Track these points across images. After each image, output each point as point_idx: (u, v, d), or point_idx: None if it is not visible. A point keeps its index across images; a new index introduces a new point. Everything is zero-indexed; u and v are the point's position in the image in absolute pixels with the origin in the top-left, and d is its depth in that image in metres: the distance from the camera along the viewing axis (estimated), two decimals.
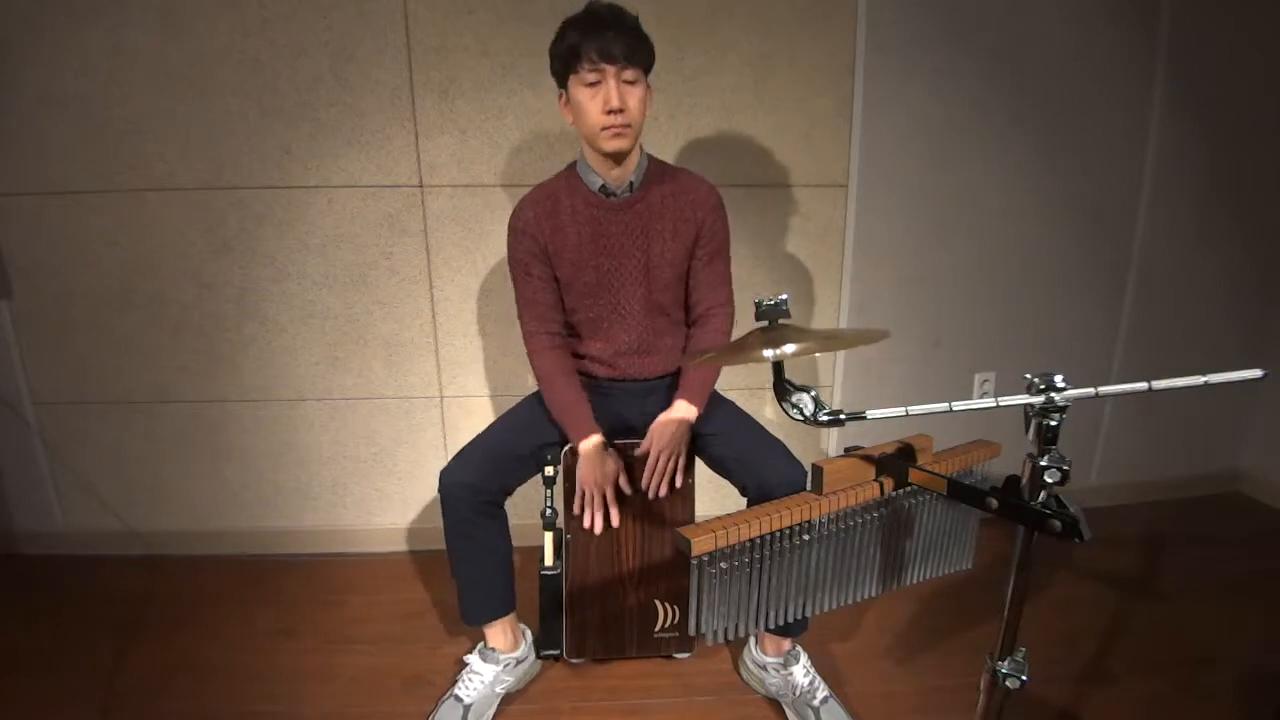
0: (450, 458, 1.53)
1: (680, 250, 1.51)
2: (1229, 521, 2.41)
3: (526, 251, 1.51)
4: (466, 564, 1.54)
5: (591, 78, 1.35)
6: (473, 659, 1.58)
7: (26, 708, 1.58)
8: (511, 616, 1.61)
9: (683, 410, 1.51)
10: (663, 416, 1.52)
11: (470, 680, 1.55)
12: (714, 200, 1.53)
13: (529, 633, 1.69)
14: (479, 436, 1.58)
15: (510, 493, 1.55)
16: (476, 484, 1.48)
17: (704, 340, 1.58)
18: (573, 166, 1.52)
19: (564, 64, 1.38)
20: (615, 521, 1.57)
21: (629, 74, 1.36)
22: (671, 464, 1.53)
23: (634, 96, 1.38)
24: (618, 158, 1.44)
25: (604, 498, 1.54)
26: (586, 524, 1.56)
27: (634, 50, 1.35)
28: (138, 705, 1.59)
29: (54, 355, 2.05)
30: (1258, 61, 2.15)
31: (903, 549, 1.11)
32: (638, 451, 1.55)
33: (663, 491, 1.54)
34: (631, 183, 1.48)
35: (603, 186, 1.47)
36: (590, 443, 1.50)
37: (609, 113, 1.36)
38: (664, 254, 1.50)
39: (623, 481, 1.55)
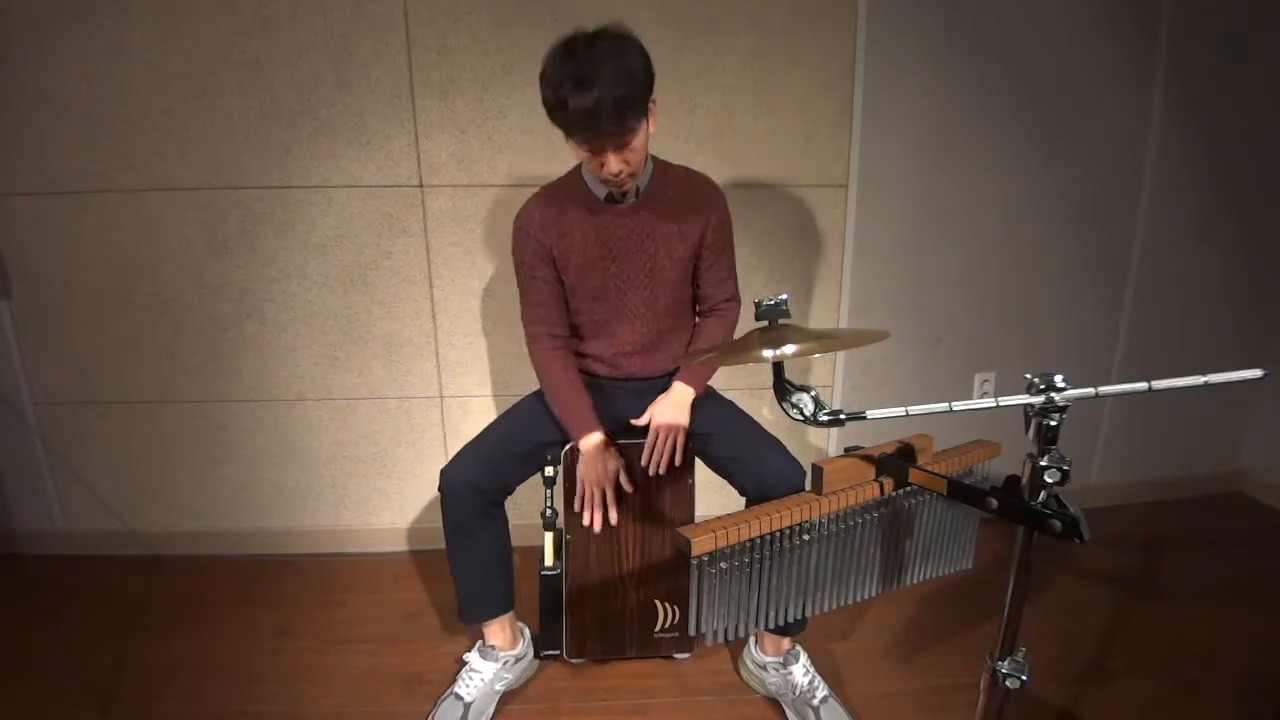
0: (450, 457, 1.52)
1: (686, 250, 1.51)
2: (1229, 521, 2.40)
3: (533, 254, 1.51)
4: (466, 563, 1.54)
5: (589, 147, 1.33)
6: (472, 657, 1.58)
7: (26, 708, 1.58)
8: (510, 615, 1.61)
9: (682, 389, 1.53)
10: (663, 396, 1.54)
11: (470, 678, 1.55)
12: (719, 197, 1.53)
13: (527, 630, 1.69)
14: (480, 435, 1.58)
15: (511, 491, 1.55)
16: (477, 483, 1.48)
17: (708, 332, 1.60)
18: (578, 169, 1.51)
19: (555, 123, 1.32)
20: (614, 520, 1.56)
21: (627, 134, 1.31)
22: (672, 441, 1.52)
23: (634, 149, 1.34)
24: None
25: (604, 495, 1.54)
26: (586, 522, 1.56)
27: (626, 117, 1.27)
28: (138, 705, 1.59)
29: (54, 355, 2.05)
30: (1258, 62, 2.15)
31: (903, 549, 1.11)
32: (637, 420, 1.54)
33: (663, 469, 1.52)
34: (637, 189, 1.48)
35: (608, 195, 1.48)
36: (591, 440, 1.50)
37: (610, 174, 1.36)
38: (670, 255, 1.50)
39: (623, 480, 1.55)
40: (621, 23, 1.31)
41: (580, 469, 1.53)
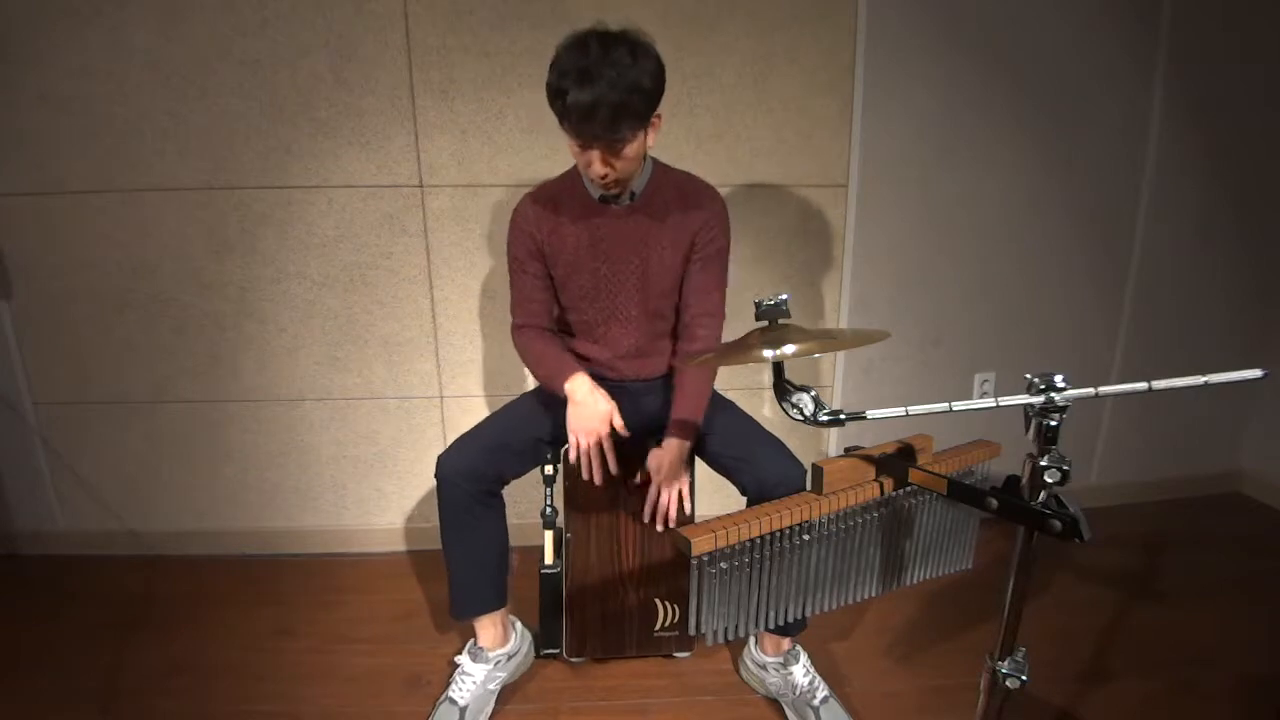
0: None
1: (678, 257, 1.50)
2: (1229, 521, 2.40)
3: (524, 249, 1.52)
4: (460, 554, 1.52)
5: (579, 141, 1.32)
6: (463, 660, 1.57)
7: (26, 708, 1.58)
8: (502, 611, 1.59)
9: (676, 444, 1.48)
10: (656, 452, 1.50)
11: (462, 682, 1.55)
12: (716, 207, 1.50)
13: (519, 624, 1.68)
14: (479, 425, 1.58)
15: (507, 482, 1.54)
16: (474, 470, 1.47)
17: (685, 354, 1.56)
18: (577, 168, 1.50)
19: (553, 110, 1.32)
20: (614, 469, 1.48)
21: (618, 141, 1.29)
22: (672, 496, 1.52)
23: (624, 156, 1.32)
24: None
25: (600, 446, 1.45)
26: (586, 476, 1.47)
27: (621, 124, 1.26)
28: (138, 705, 1.59)
29: (54, 355, 2.05)
30: (1258, 61, 2.15)
31: (903, 549, 1.11)
32: (638, 479, 1.54)
33: (672, 522, 1.52)
34: (633, 193, 1.47)
35: (602, 196, 1.47)
36: (577, 382, 1.45)
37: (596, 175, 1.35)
38: (662, 261, 1.49)
39: (617, 423, 1.46)
40: (643, 30, 1.30)
41: (571, 419, 1.44)
